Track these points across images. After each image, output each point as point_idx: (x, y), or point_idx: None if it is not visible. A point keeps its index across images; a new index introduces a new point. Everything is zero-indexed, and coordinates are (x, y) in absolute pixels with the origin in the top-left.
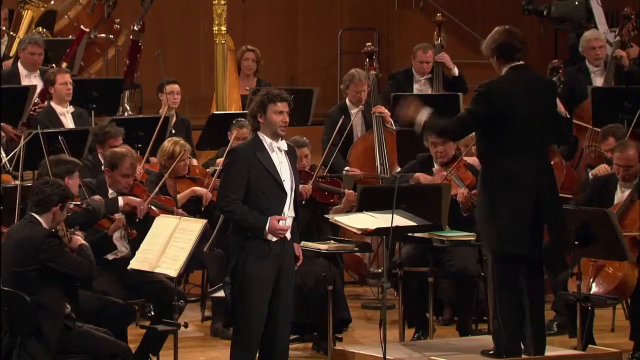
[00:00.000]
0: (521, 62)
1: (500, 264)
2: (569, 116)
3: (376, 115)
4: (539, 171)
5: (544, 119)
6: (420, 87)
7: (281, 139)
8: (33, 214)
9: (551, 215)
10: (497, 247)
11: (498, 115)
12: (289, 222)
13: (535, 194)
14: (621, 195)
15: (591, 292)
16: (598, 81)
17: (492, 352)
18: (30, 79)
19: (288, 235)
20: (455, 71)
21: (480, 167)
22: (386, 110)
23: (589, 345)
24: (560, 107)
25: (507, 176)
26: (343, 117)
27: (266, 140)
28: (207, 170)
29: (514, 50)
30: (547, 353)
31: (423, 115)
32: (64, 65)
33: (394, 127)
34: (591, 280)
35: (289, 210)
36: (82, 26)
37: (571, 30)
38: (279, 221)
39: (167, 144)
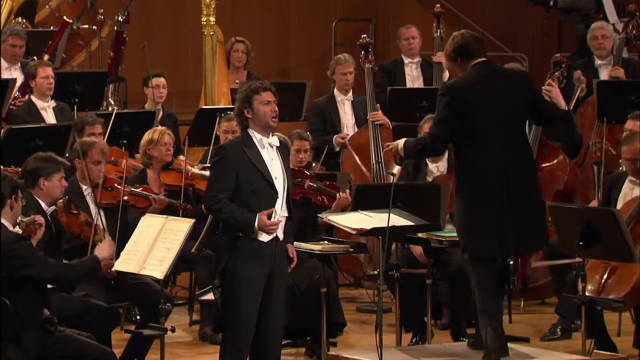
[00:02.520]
0: (482, 59)
1: (475, 263)
2: (569, 109)
3: (373, 122)
4: (509, 165)
5: (514, 111)
6: (411, 71)
7: (272, 135)
8: None
9: (526, 211)
10: (468, 247)
11: (462, 113)
12: (281, 220)
13: (507, 190)
14: (629, 192)
15: (601, 296)
16: (604, 75)
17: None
18: (11, 72)
19: (280, 235)
20: (446, 75)
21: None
22: (383, 116)
23: (595, 350)
24: (558, 100)
25: (476, 173)
26: (329, 107)
27: (256, 137)
28: (193, 168)
29: (473, 49)
30: (551, 358)
31: (400, 141)
32: (46, 57)
33: (390, 126)
34: (602, 281)
35: (281, 210)
36: (64, 17)
37: (579, 21)
38: (269, 217)
39: (149, 132)
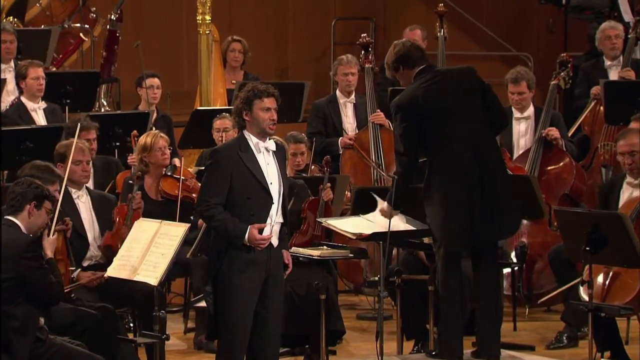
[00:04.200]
0: (423, 66)
1: (444, 258)
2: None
3: (375, 123)
4: (477, 159)
5: (470, 105)
6: None
7: (269, 139)
8: (8, 217)
9: (494, 205)
10: (438, 242)
11: (419, 122)
12: (276, 228)
13: (477, 184)
14: (628, 195)
15: (605, 302)
16: (614, 76)
17: (435, 352)
18: (4, 74)
19: (275, 241)
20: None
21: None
22: (384, 118)
23: (602, 359)
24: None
25: (445, 172)
26: (330, 108)
27: (252, 140)
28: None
29: (415, 57)
30: None
31: (382, 204)
32: (53, 70)
33: (391, 128)
34: (605, 287)
35: (276, 216)
36: (81, 34)
37: (592, 19)
38: (260, 231)
39: (142, 137)
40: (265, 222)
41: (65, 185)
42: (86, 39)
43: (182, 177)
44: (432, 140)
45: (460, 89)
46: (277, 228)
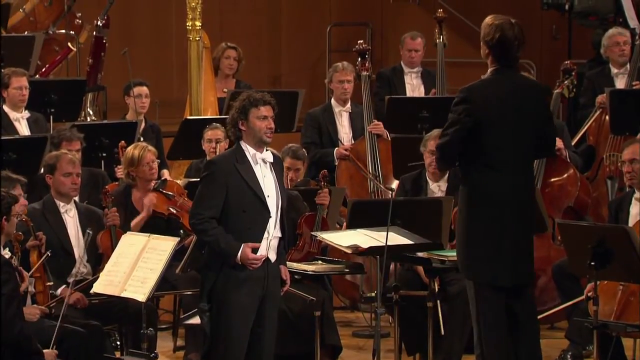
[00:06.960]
0: (509, 67)
1: (481, 294)
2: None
3: (372, 133)
4: (519, 189)
5: (529, 129)
6: (411, 80)
7: (266, 150)
8: None
9: (523, 237)
10: (475, 277)
11: (479, 123)
12: (273, 242)
13: (517, 215)
14: (637, 211)
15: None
16: (621, 84)
17: None
18: None
19: (272, 256)
20: None
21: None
22: (383, 128)
23: None
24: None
25: (487, 196)
26: (325, 118)
27: (249, 151)
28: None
29: (509, 56)
30: None
31: None
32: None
33: (389, 138)
34: (620, 306)
35: (274, 230)
36: (69, 44)
37: (597, 25)
38: (254, 250)
39: (129, 149)
40: (262, 235)
41: (54, 199)
42: (74, 49)
43: (171, 194)
44: (481, 158)
45: (526, 109)
46: (274, 243)
